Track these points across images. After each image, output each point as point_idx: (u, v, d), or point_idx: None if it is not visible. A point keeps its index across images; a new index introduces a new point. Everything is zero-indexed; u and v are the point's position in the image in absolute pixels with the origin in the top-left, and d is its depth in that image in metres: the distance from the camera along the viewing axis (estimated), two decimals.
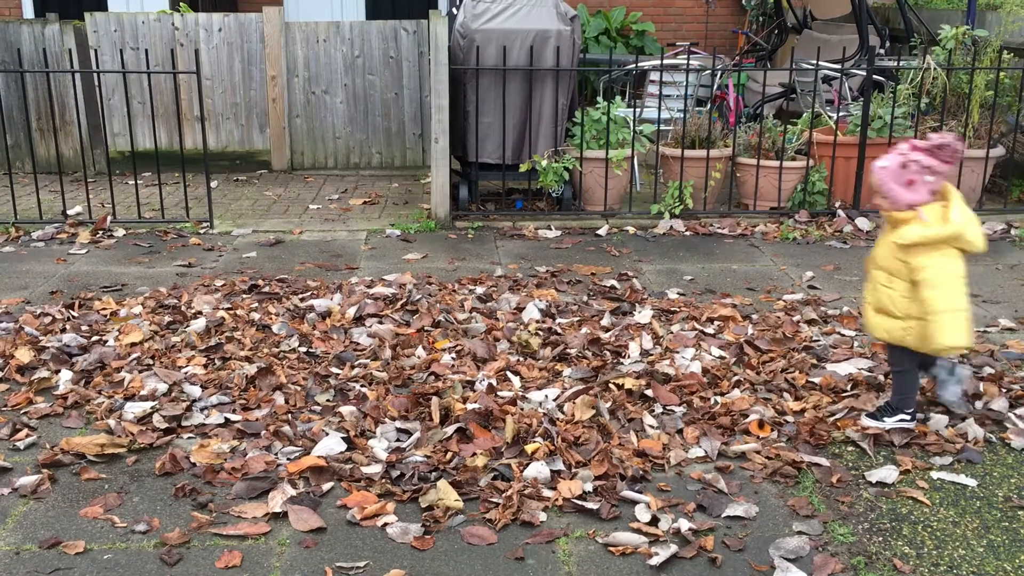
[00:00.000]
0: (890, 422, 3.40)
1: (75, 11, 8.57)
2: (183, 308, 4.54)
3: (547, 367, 3.90)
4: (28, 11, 9.97)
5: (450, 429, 3.32)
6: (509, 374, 3.80)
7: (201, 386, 3.71)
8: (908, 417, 3.41)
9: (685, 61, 6.56)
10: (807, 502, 2.99)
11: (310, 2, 10.28)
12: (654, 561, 2.68)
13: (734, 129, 6.56)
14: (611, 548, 2.76)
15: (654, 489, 3.06)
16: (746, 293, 4.95)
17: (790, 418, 3.49)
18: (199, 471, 3.14)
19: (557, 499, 2.97)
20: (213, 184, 7.30)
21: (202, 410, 3.54)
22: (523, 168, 6.29)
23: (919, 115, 6.49)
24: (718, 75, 7.52)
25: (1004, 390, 3.73)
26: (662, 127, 6.68)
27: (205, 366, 3.90)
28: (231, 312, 4.46)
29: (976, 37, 6.61)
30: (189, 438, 3.38)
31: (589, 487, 3.02)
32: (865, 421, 3.43)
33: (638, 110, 7.04)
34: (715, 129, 6.41)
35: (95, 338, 4.20)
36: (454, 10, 6.65)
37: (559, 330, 4.24)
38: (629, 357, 4.00)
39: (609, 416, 3.47)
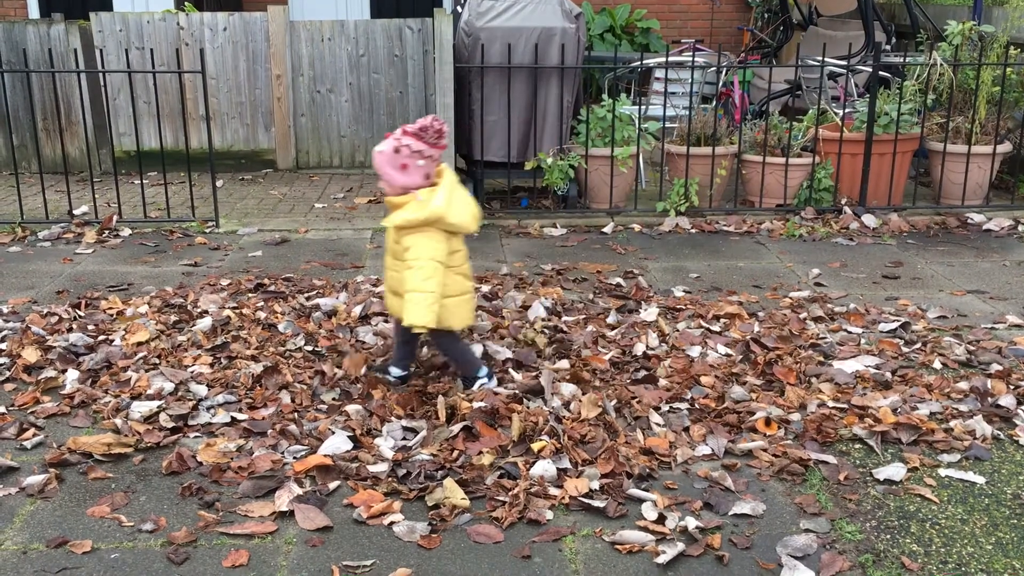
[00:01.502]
0: (475, 389, 3.60)
1: (80, 11, 8.58)
2: (189, 307, 4.54)
3: None
4: (33, 11, 9.99)
5: (456, 427, 3.32)
6: (514, 372, 3.80)
7: (207, 385, 3.71)
8: (485, 378, 3.63)
9: (690, 58, 6.55)
10: (814, 500, 2.99)
11: (314, 1, 10.28)
12: (661, 559, 2.67)
13: (739, 126, 6.55)
14: (618, 546, 2.75)
15: (661, 487, 3.06)
16: (752, 291, 4.94)
17: (797, 416, 3.48)
18: (205, 470, 3.14)
19: (564, 497, 2.97)
20: (218, 183, 7.31)
21: (208, 409, 3.55)
22: (528, 166, 6.28)
23: (925, 111, 6.47)
24: (723, 72, 7.50)
25: (1012, 387, 3.73)
26: (667, 124, 6.67)
27: (211, 365, 3.90)
28: (237, 311, 4.46)
29: (983, 33, 6.59)
30: (195, 437, 3.38)
31: (596, 485, 3.02)
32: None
33: (643, 107, 7.03)
34: (720, 126, 6.40)
35: (101, 337, 4.20)
36: (459, 8, 6.65)
37: (565, 328, 4.24)
38: (635, 355, 4.00)
39: (615, 414, 3.47)
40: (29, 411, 3.58)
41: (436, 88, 6.13)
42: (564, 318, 4.40)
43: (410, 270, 3.39)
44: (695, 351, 4.03)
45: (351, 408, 3.48)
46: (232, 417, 3.48)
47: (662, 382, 3.74)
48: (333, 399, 3.62)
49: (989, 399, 3.64)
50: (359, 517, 2.88)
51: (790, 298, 4.78)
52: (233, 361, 3.93)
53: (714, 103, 6.92)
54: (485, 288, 4.85)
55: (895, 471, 3.13)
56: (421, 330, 3.41)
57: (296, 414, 3.51)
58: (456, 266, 3.52)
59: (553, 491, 3.00)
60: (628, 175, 6.38)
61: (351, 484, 3.06)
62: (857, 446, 3.33)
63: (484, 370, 3.66)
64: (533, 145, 6.37)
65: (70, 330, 4.28)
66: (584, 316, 4.44)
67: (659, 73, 7.57)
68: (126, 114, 7.76)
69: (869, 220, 6.17)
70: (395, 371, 3.73)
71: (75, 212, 6.35)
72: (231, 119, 7.97)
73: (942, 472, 3.16)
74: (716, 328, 4.30)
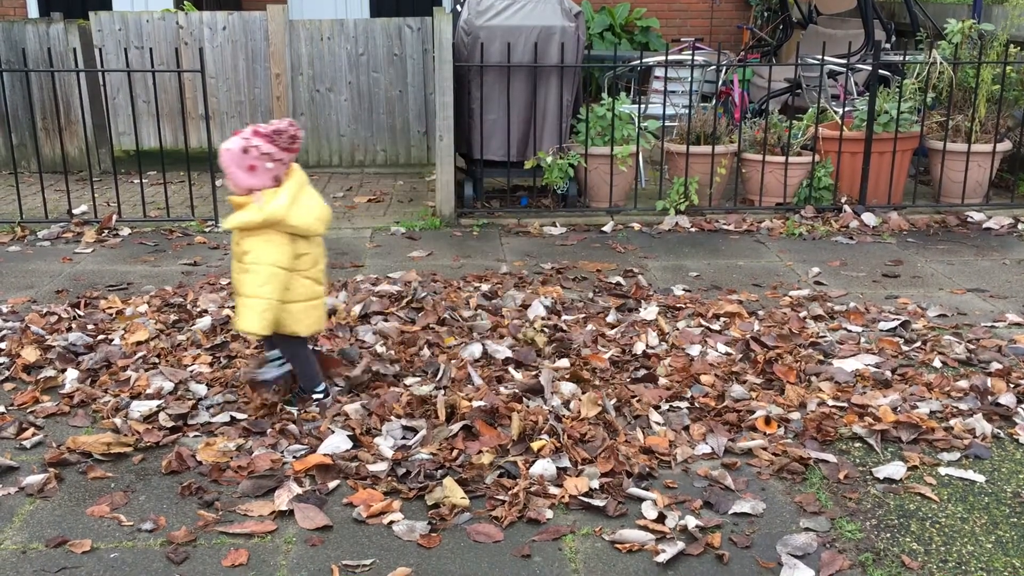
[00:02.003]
0: (274, 371, 3.51)
1: (79, 10, 8.58)
2: (189, 306, 4.54)
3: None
4: (33, 10, 9.98)
5: (456, 427, 3.31)
6: (514, 371, 3.79)
7: (207, 384, 3.71)
8: (321, 394, 3.53)
9: (690, 57, 6.55)
10: (814, 499, 2.98)
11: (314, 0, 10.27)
12: (661, 558, 2.67)
13: (739, 125, 6.55)
14: (618, 545, 2.75)
15: (661, 486, 3.06)
16: (752, 289, 4.93)
17: (796, 414, 3.48)
18: (205, 469, 3.14)
19: (563, 496, 2.97)
20: (218, 182, 7.30)
21: (208, 408, 3.55)
22: (528, 165, 6.28)
23: (925, 110, 6.47)
24: (723, 71, 7.50)
25: (1012, 385, 3.72)
26: (667, 123, 6.67)
27: (211, 364, 3.90)
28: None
29: (982, 31, 6.58)
30: (195, 436, 3.38)
31: (595, 484, 3.02)
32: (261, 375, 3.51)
33: (643, 106, 7.03)
34: (720, 125, 6.40)
35: (101, 337, 4.20)
36: (458, 7, 6.65)
37: (565, 327, 4.24)
38: (635, 354, 3.99)
39: (615, 413, 3.47)
40: (28, 411, 3.57)
41: (435, 87, 6.13)
42: (564, 317, 4.40)
43: (246, 274, 3.29)
44: (695, 350, 4.03)
45: (350, 407, 3.48)
46: (231, 416, 3.47)
47: (662, 381, 3.73)
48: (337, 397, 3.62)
49: (989, 397, 3.63)
50: (359, 516, 2.88)
51: (790, 297, 4.77)
52: (233, 360, 3.93)
53: (714, 102, 6.91)
54: (485, 287, 4.85)
55: (895, 470, 3.13)
56: (254, 337, 3.33)
57: (296, 413, 3.51)
58: (303, 270, 3.39)
59: (553, 490, 3.00)
60: (628, 174, 6.37)
61: (351, 483, 3.06)
62: (857, 445, 3.33)
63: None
64: (533, 144, 6.36)
65: (69, 329, 4.28)
66: (584, 315, 4.44)
67: (659, 72, 7.56)
68: (125, 113, 7.76)
69: (869, 219, 6.17)
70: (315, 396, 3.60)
71: (74, 211, 6.35)
72: (230, 118, 7.96)
73: (942, 471, 3.16)
74: (716, 327, 4.30)
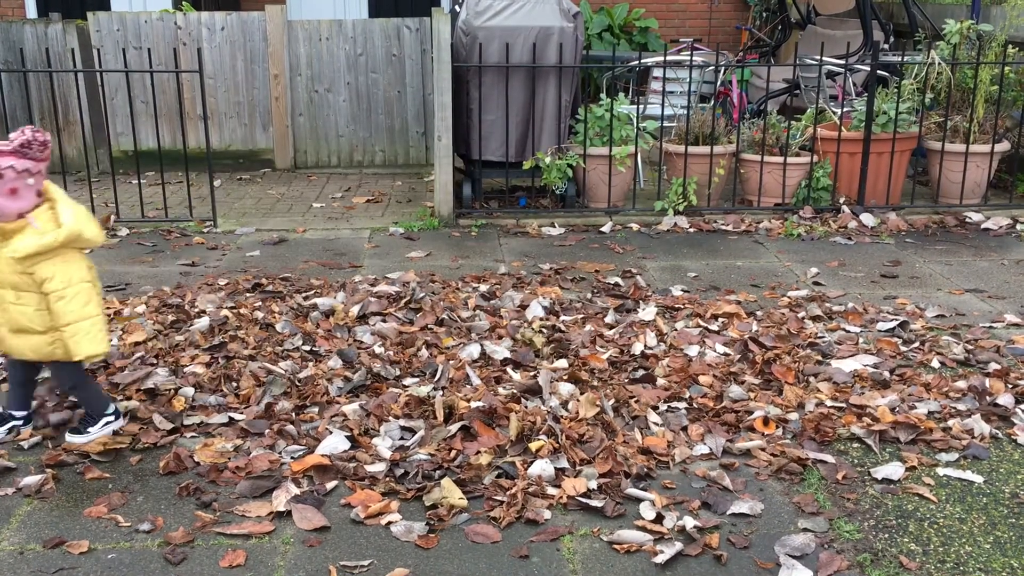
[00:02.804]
0: (95, 430, 3.33)
1: (78, 11, 8.58)
2: (187, 307, 4.54)
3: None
4: (31, 11, 9.98)
5: (454, 427, 3.31)
6: (512, 372, 3.79)
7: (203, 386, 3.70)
8: (112, 417, 3.37)
9: (688, 57, 6.55)
10: (812, 499, 2.98)
11: (312, 0, 10.27)
12: (659, 559, 2.67)
13: (738, 125, 6.55)
14: (616, 546, 2.75)
15: (659, 487, 3.05)
16: (750, 290, 4.93)
17: (795, 415, 3.48)
18: (203, 470, 3.14)
19: (561, 497, 2.97)
20: (216, 183, 7.30)
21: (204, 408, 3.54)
22: (526, 166, 6.28)
23: (924, 110, 6.47)
24: (721, 71, 7.50)
25: (1010, 386, 3.72)
26: (665, 124, 6.67)
27: (208, 365, 3.90)
28: (235, 311, 4.45)
29: (980, 31, 6.59)
30: (193, 437, 3.38)
31: (594, 485, 3.02)
32: (70, 439, 3.31)
33: (641, 107, 7.03)
34: (719, 125, 6.40)
35: None
36: (457, 7, 6.64)
37: (563, 328, 4.24)
38: (633, 354, 3.99)
39: (613, 413, 3.47)
40: None
41: (434, 87, 6.13)
42: (562, 317, 4.40)
43: (62, 300, 3.08)
44: (693, 350, 4.03)
45: (348, 408, 3.48)
46: (230, 417, 3.47)
47: (660, 381, 3.73)
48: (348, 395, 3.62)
49: (987, 398, 3.64)
50: (357, 517, 2.88)
51: (788, 297, 4.77)
52: (231, 361, 3.93)
53: (712, 102, 6.91)
54: (483, 287, 4.84)
55: (893, 470, 3.13)
56: (97, 358, 3.20)
57: (293, 414, 3.50)
58: (95, 283, 3.22)
59: (551, 491, 3.00)
60: (626, 174, 6.37)
61: (349, 484, 3.06)
62: (855, 445, 3.33)
63: (112, 407, 3.40)
64: (531, 144, 6.36)
65: None
66: (582, 315, 4.44)
67: (657, 72, 7.56)
68: (124, 114, 7.75)
69: (867, 219, 6.17)
70: (16, 414, 3.39)
71: None
72: (229, 119, 7.96)
73: (940, 471, 3.15)
74: (714, 327, 4.30)
